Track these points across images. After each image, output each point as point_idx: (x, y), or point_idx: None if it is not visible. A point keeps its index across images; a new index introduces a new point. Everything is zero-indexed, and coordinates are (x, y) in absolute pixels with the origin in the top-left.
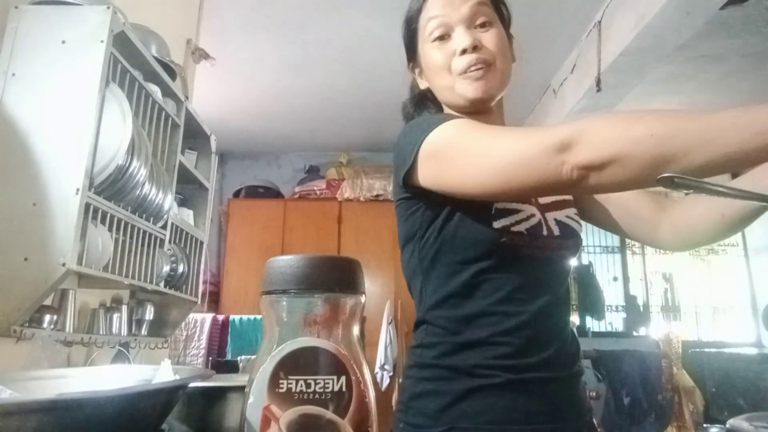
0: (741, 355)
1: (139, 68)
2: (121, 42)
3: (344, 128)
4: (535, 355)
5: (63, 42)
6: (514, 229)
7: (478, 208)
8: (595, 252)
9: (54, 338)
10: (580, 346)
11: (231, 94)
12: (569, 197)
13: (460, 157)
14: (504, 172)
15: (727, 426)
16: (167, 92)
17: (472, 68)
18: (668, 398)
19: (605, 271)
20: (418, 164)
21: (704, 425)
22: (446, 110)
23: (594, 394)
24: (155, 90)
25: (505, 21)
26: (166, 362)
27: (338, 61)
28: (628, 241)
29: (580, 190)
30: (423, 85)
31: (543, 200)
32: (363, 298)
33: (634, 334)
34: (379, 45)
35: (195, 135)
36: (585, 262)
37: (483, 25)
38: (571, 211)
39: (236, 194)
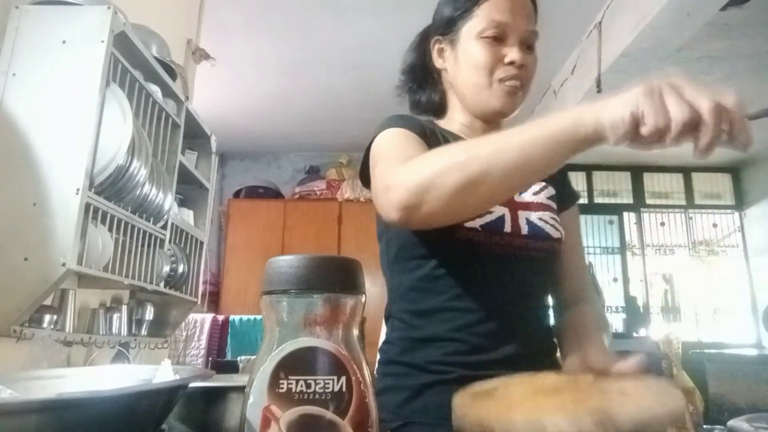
0: (741, 356)
1: (139, 68)
2: (121, 42)
3: (344, 128)
4: (493, 351)
5: (63, 42)
6: (469, 224)
7: None
8: (595, 253)
9: (54, 338)
10: (557, 345)
11: (231, 94)
12: (551, 203)
13: (374, 171)
14: (376, 199)
15: (728, 427)
16: (167, 92)
17: (514, 83)
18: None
19: (605, 271)
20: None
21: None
22: (451, 101)
23: None
24: (155, 90)
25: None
26: (166, 362)
27: (339, 62)
28: (627, 241)
29: (417, 226)
30: (440, 64)
31: (518, 198)
32: (363, 298)
33: (634, 335)
34: (380, 45)
35: (195, 135)
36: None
37: (530, 48)
38: (548, 215)
39: (236, 194)
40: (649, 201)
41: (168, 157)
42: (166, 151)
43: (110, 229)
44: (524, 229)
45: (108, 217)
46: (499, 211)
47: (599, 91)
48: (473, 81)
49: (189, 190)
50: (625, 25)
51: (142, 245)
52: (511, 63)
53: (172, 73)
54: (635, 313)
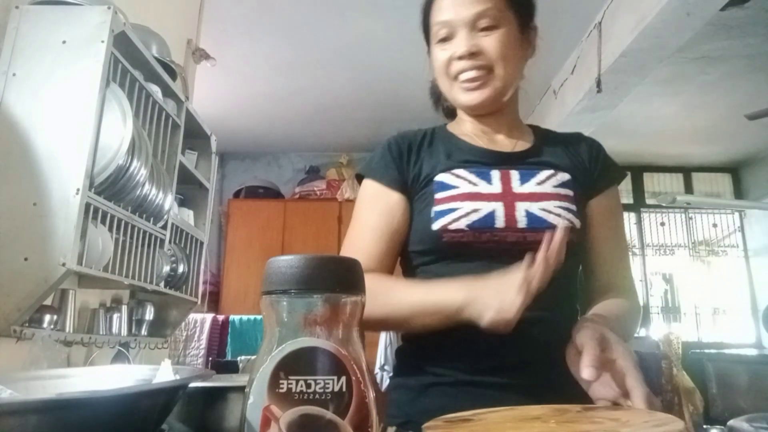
0: (741, 356)
1: (139, 68)
2: (121, 42)
3: (344, 128)
4: (490, 357)
5: (63, 42)
6: (453, 226)
7: (422, 209)
8: None
9: (54, 338)
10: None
11: (231, 94)
12: (562, 191)
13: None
14: None
15: (728, 427)
16: (168, 92)
17: (468, 76)
18: (668, 399)
19: None
20: None
21: (704, 426)
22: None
23: None
24: (156, 90)
25: (526, 13)
26: (166, 362)
27: (339, 62)
28: (627, 242)
29: None
30: (431, 76)
31: (518, 189)
32: (363, 298)
33: (634, 335)
34: (380, 45)
35: (195, 135)
36: None
37: (487, 29)
38: (553, 204)
39: (236, 194)
40: (649, 201)
41: (168, 157)
42: (166, 151)
43: (110, 229)
44: (522, 222)
45: (108, 217)
46: (489, 206)
47: (599, 91)
48: (442, 84)
49: (189, 190)
50: (625, 25)
51: (142, 245)
52: (460, 57)
53: (172, 73)
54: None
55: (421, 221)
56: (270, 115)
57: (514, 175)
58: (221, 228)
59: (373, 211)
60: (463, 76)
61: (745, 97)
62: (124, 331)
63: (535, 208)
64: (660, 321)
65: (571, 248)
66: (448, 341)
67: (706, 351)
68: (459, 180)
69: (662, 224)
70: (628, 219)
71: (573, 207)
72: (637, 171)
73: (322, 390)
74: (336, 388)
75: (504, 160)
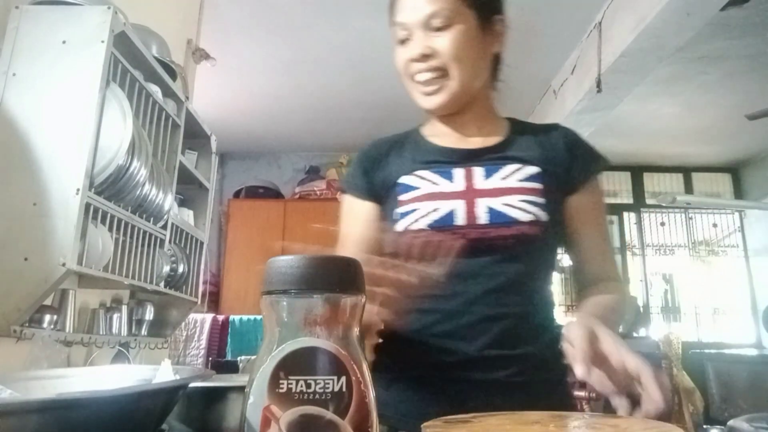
0: (741, 356)
1: (139, 68)
2: (121, 42)
3: (344, 128)
4: (453, 353)
5: (63, 42)
6: (414, 227)
7: (388, 211)
8: None
9: (54, 338)
10: (555, 342)
11: (231, 94)
12: (528, 184)
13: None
14: None
15: (728, 427)
16: (168, 92)
17: (423, 78)
18: (668, 399)
19: None
20: None
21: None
22: None
23: (594, 394)
24: (156, 90)
25: (487, 9)
26: (166, 362)
27: (338, 62)
28: (628, 242)
29: None
30: None
31: (481, 185)
32: (363, 298)
33: (634, 335)
34: (379, 45)
35: (195, 135)
36: None
37: (440, 28)
38: (517, 199)
39: (236, 194)
40: (649, 201)
41: (168, 157)
42: (166, 151)
43: (110, 229)
44: (483, 218)
45: (108, 217)
46: (450, 205)
47: (599, 91)
48: (405, 86)
49: (189, 190)
50: (625, 25)
51: (142, 245)
52: (412, 60)
53: (172, 73)
54: (635, 313)
55: (386, 220)
56: (270, 115)
57: (479, 171)
58: (221, 228)
59: (351, 223)
60: (419, 78)
61: (745, 97)
62: (124, 331)
63: (497, 203)
64: (660, 321)
65: (536, 242)
66: (412, 336)
67: (706, 351)
68: (421, 181)
69: (662, 224)
70: (629, 219)
71: (540, 200)
72: (637, 171)
73: (322, 390)
74: (336, 388)
75: (470, 157)
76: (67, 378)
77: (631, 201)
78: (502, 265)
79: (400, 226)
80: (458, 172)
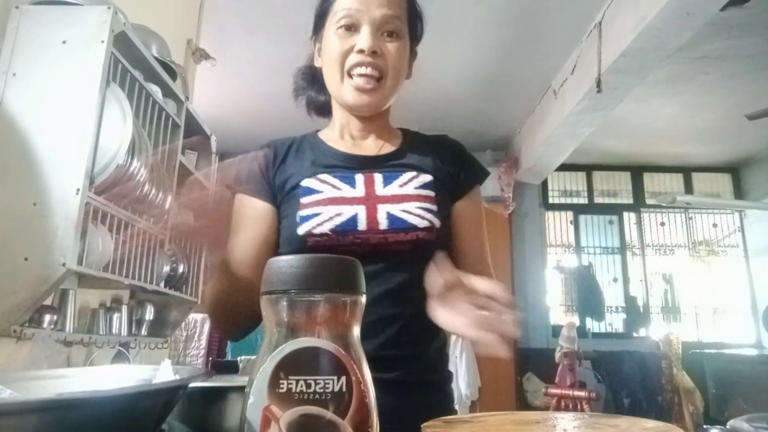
0: (741, 356)
1: (139, 68)
2: (121, 42)
3: None
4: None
5: (63, 42)
6: (317, 230)
7: (288, 213)
8: (595, 253)
9: (54, 338)
10: (443, 343)
11: (231, 94)
12: (423, 192)
13: None
14: None
15: (728, 427)
16: (168, 92)
17: (364, 71)
18: (668, 399)
19: (605, 272)
20: None
21: (704, 426)
22: (333, 102)
23: (594, 394)
24: (156, 90)
25: (416, 38)
26: (166, 362)
27: None
28: (628, 242)
29: None
30: (318, 63)
31: (381, 192)
32: (363, 298)
33: (634, 335)
34: None
35: (195, 135)
36: (585, 263)
37: (390, 35)
38: (414, 205)
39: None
40: (649, 201)
41: (168, 157)
42: (166, 151)
43: (110, 229)
44: (383, 224)
45: (108, 217)
46: (352, 210)
47: (599, 91)
48: (330, 75)
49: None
50: (625, 25)
51: (142, 245)
52: (361, 51)
53: (172, 73)
54: (635, 313)
55: (288, 225)
56: (270, 116)
57: (378, 178)
58: None
59: (241, 221)
60: (358, 71)
61: (745, 97)
62: (124, 331)
63: (396, 209)
64: (660, 321)
65: (431, 246)
66: None
67: (706, 351)
68: (323, 185)
69: (662, 224)
70: (629, 219)
71: (434, 207)
72: (637, 171)
73: (322, 390)
74: (336, 389)
75: (368, 164)
76: (66, 378)
77: (631, 201)
78: (400, 267)
79: (301, 229)
80: (359, 178)
